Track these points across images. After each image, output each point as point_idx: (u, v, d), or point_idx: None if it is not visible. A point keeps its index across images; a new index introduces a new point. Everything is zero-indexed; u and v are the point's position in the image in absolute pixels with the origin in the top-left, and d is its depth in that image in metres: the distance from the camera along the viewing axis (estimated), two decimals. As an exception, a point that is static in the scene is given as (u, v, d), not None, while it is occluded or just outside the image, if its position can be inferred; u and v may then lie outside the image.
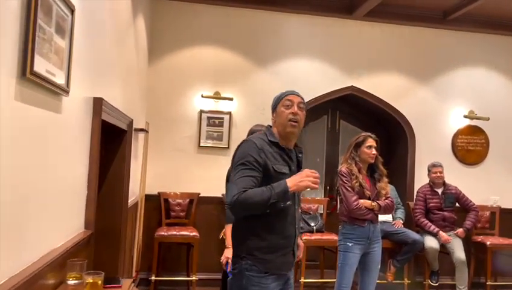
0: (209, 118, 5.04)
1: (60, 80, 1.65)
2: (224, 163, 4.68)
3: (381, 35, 5.43)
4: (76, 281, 1.78)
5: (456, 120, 5.52)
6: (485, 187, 5.50)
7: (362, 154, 3.10)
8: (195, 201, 4.85)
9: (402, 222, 4.79)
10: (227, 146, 5.04)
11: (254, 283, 1.86)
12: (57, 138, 1.77)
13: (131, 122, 3.50)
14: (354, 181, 3.06)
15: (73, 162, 2.05)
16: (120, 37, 3.08)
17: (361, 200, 3.07)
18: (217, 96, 5.04)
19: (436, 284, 4.74)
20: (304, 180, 1.77)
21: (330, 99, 5.41)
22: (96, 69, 2.41)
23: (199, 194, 4.86)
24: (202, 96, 4.98)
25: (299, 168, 2.02)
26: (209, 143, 5.02)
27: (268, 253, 1.89)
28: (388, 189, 3.21)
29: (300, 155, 2.06)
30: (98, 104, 2.32)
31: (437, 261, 4.69)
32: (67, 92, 1.74)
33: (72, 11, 1.75)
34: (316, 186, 1.82)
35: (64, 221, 1.96)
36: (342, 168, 3.17)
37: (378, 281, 4.70)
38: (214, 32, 5.10)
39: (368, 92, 5.36)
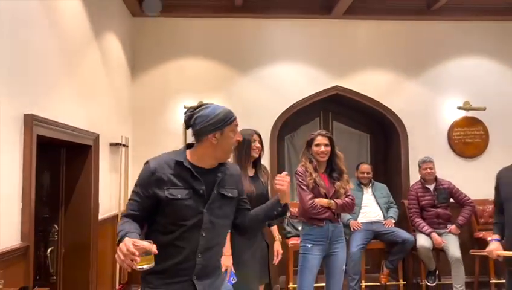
0: (193, 129, 5.09)
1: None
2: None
3: (364, 32, 5.33)
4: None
5: (450, 113, 5.31)
6: (487, 180, 5.07)
7: (313, 153, 3.04)
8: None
9: (394, 221, 4.63)
10: (213, 155, 5.06)
11: None
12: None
13: (97, 138, 3.60)
14: (309, 178, 2.99)
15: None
16: (71, 59, 3.19)
17: (317, 199, 2.98)
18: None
19: (434, 284, 4.53)
20: (117, 252, 1.58)
21: (321, 100, 5.34)
22: (29, 88, 2.51)
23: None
24: (184, 107, 5.05)
25: (211, 189, 1.82)
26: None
27: (159, 279, 1.78)
28: (348, 187, 3.10)
29: (220, 175, 1.86)
30: (29, 120, 2.41)
31: (433, 260, 4.49)
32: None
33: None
34: (123, 264, 1.57)
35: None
36: (298, 167, 3.12)
37: (372, 283, 4.67)
38: (194, 44, 5.18)
39: (353, 91, 5.26)
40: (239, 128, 1.94)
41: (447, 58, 5.35)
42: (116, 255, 1.56)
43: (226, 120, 1.83)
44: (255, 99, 5.20)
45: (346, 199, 3.06)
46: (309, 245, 3.01)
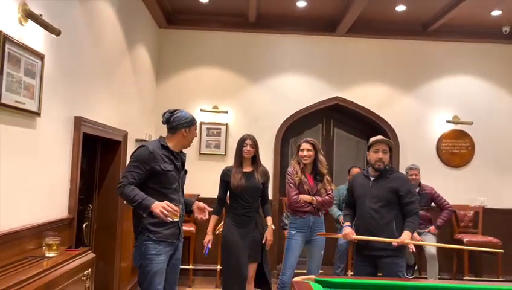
0: (208, 129, 5.80)
1: (31, 106, 2.45)
2: (221, 168, 5.41)
3: (364, 50, 5.92)
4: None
5: (440, 125, 5.87)
6: (469, 188, 5.78)
7: (299, 156, 3.68)
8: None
9: (379, 220, 5.21)
10: (224, 153, 5.76)
11: (151, 248, 2.63)
12: (34, 146, 2.58)
13: (126, 135, 4.32)
14: (295, 176, 3.64)
15: (53, 164, 2.85)
16: (109, 68, 3.91)
17: (302, 195, 3.62)
18: (214, 110, 5.79)
19: (412, 277, 5.10)
20: (160, 209, 2.49)
21: (322, 109, 5.97)
22: (78, 94, 3.22)
23: (199, 195, 5.59)
24: (201, 110, 5.75)
25: (183, 165, 2.88)
26: (209, 151, 5.77)
27: (158, 227, 2.64)
28: (328, 188, 3.72)
29: (183, 157, 2.91)
30: (78, 121, 3.12)
31: (412, 256, 5.06)
32: (38, 114, 2.54)
33: (42, 58, 2.55)
34: (165, 218, 2.49)
35: (45, 206, 2.76)
36: (289, 168, 3.77)
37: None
38: (212, 54, 5.88)
39: (352, 102, 5.86)
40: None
41: (439, 76, 5.91)
42: (159, 211, 2.49)
43: (193, 122, 2.86)
44: (264, 106, 5.87)
45: (326, 197, 3.69)
46: (293, 232, 3.66)
